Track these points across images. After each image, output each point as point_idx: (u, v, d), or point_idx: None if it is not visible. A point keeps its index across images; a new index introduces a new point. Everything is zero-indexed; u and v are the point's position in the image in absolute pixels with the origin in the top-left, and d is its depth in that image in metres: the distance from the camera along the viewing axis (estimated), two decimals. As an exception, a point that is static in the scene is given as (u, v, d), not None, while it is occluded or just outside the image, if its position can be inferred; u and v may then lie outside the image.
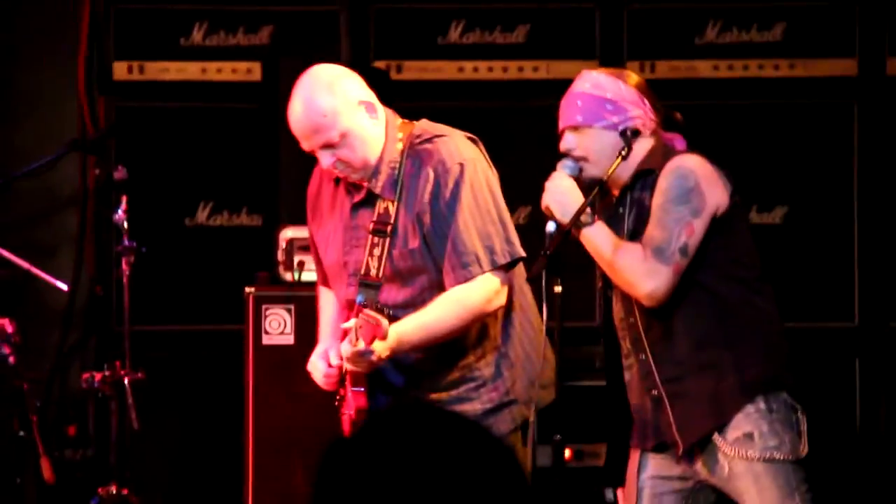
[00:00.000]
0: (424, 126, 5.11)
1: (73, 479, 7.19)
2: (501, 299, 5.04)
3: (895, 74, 7.38)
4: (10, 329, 6.54)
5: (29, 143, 7.67)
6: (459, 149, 5.04)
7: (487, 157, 5.13)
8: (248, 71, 7.55)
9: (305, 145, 4.95)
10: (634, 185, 4.74)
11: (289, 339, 6.16)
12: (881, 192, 7.57)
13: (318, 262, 5.30)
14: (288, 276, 6.39)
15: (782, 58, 7.41)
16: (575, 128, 4.68)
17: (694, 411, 4.73)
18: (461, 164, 5.00)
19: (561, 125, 4.69)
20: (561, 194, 4.69)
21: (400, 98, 6.69)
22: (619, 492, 5.00)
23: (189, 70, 7.57)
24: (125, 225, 6.72)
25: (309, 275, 6.30)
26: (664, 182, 4.63)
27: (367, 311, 4.83)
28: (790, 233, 7.44)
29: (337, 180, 5.19)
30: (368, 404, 5.01)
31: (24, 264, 6.87)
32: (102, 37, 7.71)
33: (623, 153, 4.59)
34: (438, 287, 4.99)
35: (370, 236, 5.08)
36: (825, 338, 7.32)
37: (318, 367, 5.00)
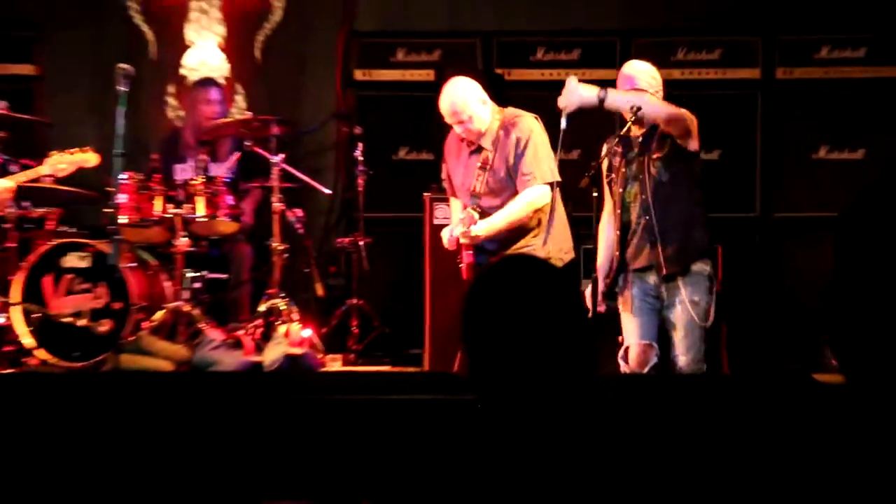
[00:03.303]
0: (510, 111, 6.89)
1: (333, 295, 8.75)
2: (546, 199, 6.66)
3: (782, 79, 9.11)
4: (300, 213, 8.37)
5: (310, 115, 9.48)
6: (528, 124, 6.81)
7: (543, 126, 6.82)
8: (427, 74, 9.19)
9: (448, 120, 6.83)
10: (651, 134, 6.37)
11: (447, 222, 7.34)
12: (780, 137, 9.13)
13: (450, 183, 7.14)
14: (446, 185, 7.55)
15: (720, 67, 9.13)
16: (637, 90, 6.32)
17: (675, 253, 6.36)
18: (531, 131, 6.77)
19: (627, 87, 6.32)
20: (569, 92, 6.16)
21: (509, 89, 8.67)
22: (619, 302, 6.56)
23: (395, 74, 9.34)
24: (360, 158, 8.62)
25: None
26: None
27: (469, 210, 6.72)
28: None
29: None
30: (474, 261, 6.75)
31: (308, 179, 8.51)
32: (349, 55, 9.46)
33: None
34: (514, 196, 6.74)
35: (478, 170, 6.80)
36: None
37: (446, 236, 6.83)
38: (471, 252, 6.79)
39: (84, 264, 7.84)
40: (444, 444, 2.65)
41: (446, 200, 7.65)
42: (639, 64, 6.59)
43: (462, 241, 6.73)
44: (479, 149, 6.80)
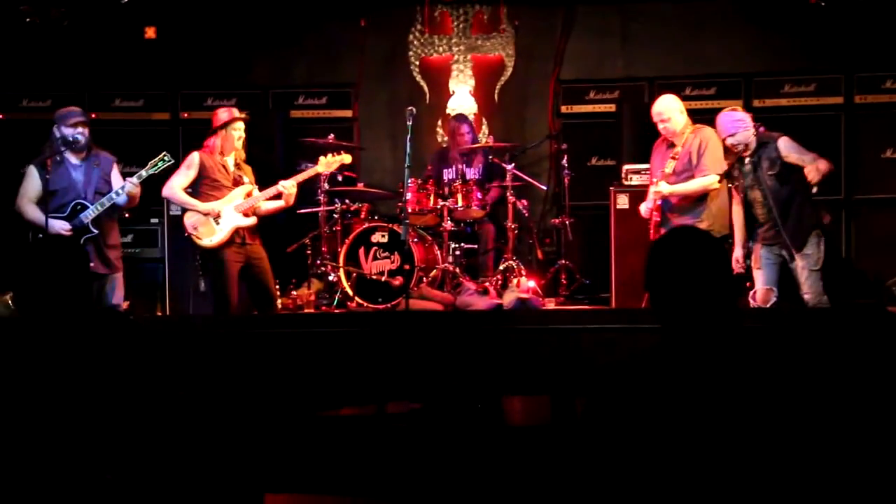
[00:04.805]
0: (699, 124, 6.83)
1: (549, 258, 8.69)
2: (715, 185, 6.63)
3: (858, 102, 8.88)
4: (525, 203, 8.34)
5: (531, 136, 9.24)
6: (708, 132, 6.74)
7: (716, 133, 6.64)
8: (610, 108, 9.08)
9: (654, 119, 6.83)
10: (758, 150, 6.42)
11: (628, 208, 7.54)
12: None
13: (652, 170, 6.99)
14: (627, 182, 7.76)
15: (814, 96, 8.89)
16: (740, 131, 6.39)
17: (795, 234, 6.39)
18: (710, 138, 6.67)
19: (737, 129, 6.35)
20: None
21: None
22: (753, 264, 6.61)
23: (588, 108, 9.22)
24: (565, 165, 8.48)
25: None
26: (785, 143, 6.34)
27: (660, 178, 6.72)
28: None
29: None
30: (658, 219, 6.72)
31: (531, 180, 8.43)
32: (557, 95, 9.33)
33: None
34: (691, 178, 6.69)
35: (670, 159, 6.78)
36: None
37: (643, 208, 6.87)
38: (658, 213, 6.73)
39: (384, 240, 7.88)
40: (627, 356, 2.63)
41: (626, 192, 7.63)
42: (738, 113, 6.51)
43: (655, 190, 6.71)
44: (673, 144, 6.77)
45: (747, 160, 6.40)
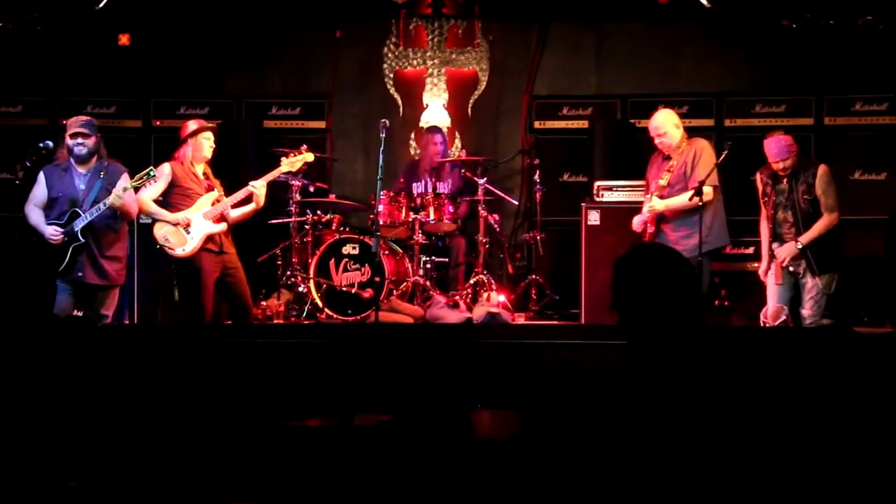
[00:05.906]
0: (695, 137, 7.01)
1: (519, 273, 8.65)
2: (709, 197, 6.70)
3: (828, 124, 8.97)
4: (497, 218, 8.23)
5: (504, 151, 9.38)
6: (703, 143, 6.95)
7: (711, 145, 7.01)
8: (583, 124, 9.09)
9: (651, 133, 6.94)
10: (797, 174, 6.57)
11: (598, 224, 7.65)
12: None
13: (648, 184, 7.13)
14: (599, 199, 7.74)
15: (785, 117, 8.94)
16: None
17: (820, 257, 6.56)
18: (703, 149, 6.85)
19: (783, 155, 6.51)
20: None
21: (639, 133, 8.39)
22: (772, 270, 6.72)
23: (561, 124, 9.26)
24: (537, 180, 8.51)
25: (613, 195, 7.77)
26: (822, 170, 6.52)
27: (655, 191, 6.84)
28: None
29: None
30: (652, 231, 6.85)
31: (502, 194, 8.56)
32: (530, 111, 9.36)
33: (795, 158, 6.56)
34: (686, 191, 6.74)
35: (665, 171, 6.86)
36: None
37: (636, 222, 6.99)
38: (652, 225, 6.87)
39: (355, 252, 7.89)
40: (593, 369, 2.59)
41: (597, 209, 7.62)
42: (786, 139, 6.67)
43: (647, 208, 6.83)
44: (669, 157, 6.88)
45: (784, 180, 6.51)
